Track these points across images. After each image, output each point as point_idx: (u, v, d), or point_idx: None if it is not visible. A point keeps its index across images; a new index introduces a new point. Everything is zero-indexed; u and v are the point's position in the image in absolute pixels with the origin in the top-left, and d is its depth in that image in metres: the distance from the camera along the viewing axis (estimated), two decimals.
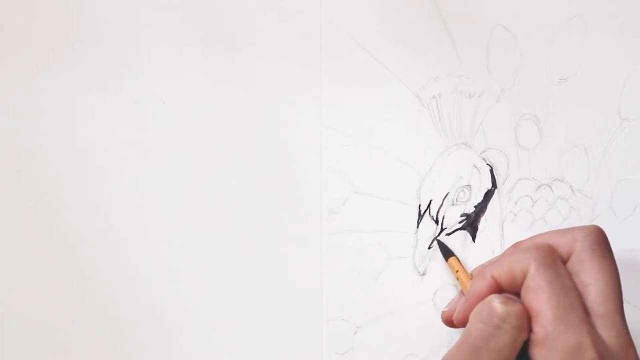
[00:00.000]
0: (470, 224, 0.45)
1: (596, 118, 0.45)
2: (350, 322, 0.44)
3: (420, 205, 0.45)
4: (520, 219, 0.45)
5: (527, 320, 0.36)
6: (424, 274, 0.45)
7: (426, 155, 0.45)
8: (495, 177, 0.45)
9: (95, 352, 0.44)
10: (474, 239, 0.45)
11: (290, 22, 0.44)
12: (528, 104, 0.45)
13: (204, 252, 0.44)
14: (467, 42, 0.44)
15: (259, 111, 0.44)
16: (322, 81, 0.44)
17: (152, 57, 0.43)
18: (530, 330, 0.36)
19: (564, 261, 0.38)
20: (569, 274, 0.37)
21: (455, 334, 0.43)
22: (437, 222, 0.45)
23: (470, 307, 0.38)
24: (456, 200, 0.45)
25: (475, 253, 0.45)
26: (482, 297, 0.38)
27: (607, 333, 0.36)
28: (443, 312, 0.42)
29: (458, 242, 0.45)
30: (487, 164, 0.45)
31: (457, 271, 0.43)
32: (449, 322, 0.41)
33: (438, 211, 0.45)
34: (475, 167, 0.45)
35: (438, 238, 0.44)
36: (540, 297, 0.36)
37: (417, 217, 0.45)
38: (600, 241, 0.38)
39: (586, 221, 0.45)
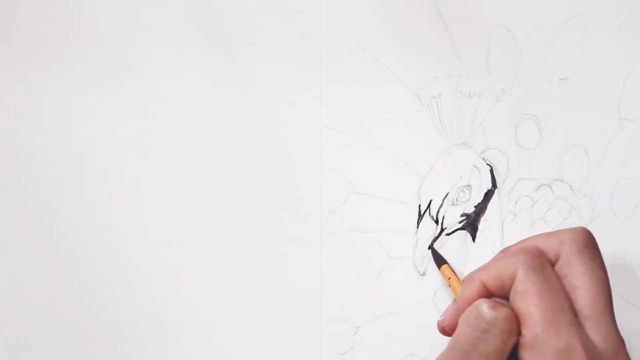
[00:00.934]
0: (470, 224, 0.45)
1: (596, 118, 0.45)
2: (350, 322, 0.44)
3: (420, 205, 0.45)
4: (520, 219, 0.45)
5: (515, 324, 0.36)
6: (424, 274, 0.45)
7: (426, 155, 0.45)
8: (495, 177, 0.45)
9: (95, 352, 0.44)
10: (474, 239, 0.45)
11: (290, 22, 0.44)
12: (528, 104, 0.45)
13: (204, 252, 0.44)
14: (467, 42, 0.44)
15: (259, 111, 0.44)
16: (322, 81, 0.44)
17: (152, 57, 0.43)
18: (519, 334, 0.36)
19: (552, 264, 0.38)
20: (558, 277, 0.37)
21: None
22: (437, 222, 0.45)
23: (460, 313, 0.38)
24: (456, 200, 0.45)
25: (475, 253, 0.45)
26: (472, 302, 0.38)
27: (596, 335, 0.36)
28: (438, 321, 0.42)
29: (458, 242, 0.45)
30: (487, 164, 0.45)
31: (449, 278, 0.43)
32: (444, 330, 0.41)
33: (438, 211, 0.45)
34: (475, 167, 0.45)
35: (432, 246, 0.44)
36: (529, 301, 0.36)
37: (417, 217, 0.45)
38: (588, 243, 0.38)
39: (586, 221, 0.45)
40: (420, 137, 0.45)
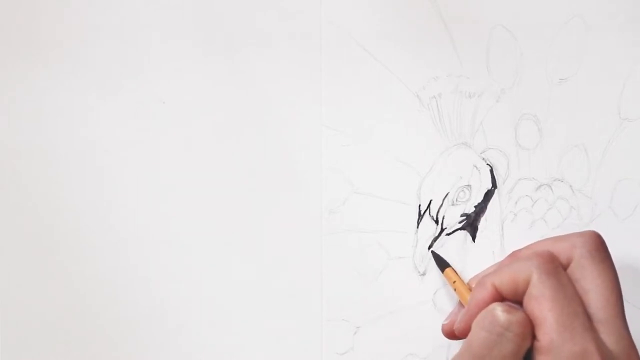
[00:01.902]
0: (470, 224, 0.45)
1: (596, 118, 0.45)
2: (350, 322, 0.44)
3: (420, 205, 0.45)
4: (520, 219, 0.45)
5: (530, 328, 0.36)
6: (424, 274, 0.45)
7: (426, 155, 0.45)
8: (495, 177, 0.45)
9: (95, 352, 0.44)
10: (474, 239, 0.45)
11: (290, 22, 0.44)
12: (528, 104, 0.45)
13: (204, 252, 0.44)
14: (467, 42, 0.44)
15: (259, 111, 0.44)
16: (322, 81, 0.44)
17: (152, 57, 0.43)
18: (533, 338, 0.36)
19: (564, 268, 0.38)
20: (571, 281, 0.37)
21: None
22: (437, 222, 0.45)
23: (472, 317, 0.38)
24: (456, 200, 0.45)
25: (475, 253, 0.45)
26: (484, 306, 0.38)
27: (609, 338, 0.36)
28: (443, 324, 0.42)
29: (458, 242, 0.45)
30: (487, 164, 0.45)
31: (454, 282, 0.43)
32: (451, 334, 0.41)
33: (438, 211, 0.45)
34: (475, 167, 0.45)
35: (432, 249, 0.45)
36: (544, 305, 0.36)
37: (417, 217, 0.45)
38: (599, 247, 0.38)
39: (586, 221, 0.45)
40: (420, 137, 0.45)
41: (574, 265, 0.38)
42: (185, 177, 0.44)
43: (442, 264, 0.44)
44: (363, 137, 0.44)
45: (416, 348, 0.45)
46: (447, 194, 0.45)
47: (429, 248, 0.45)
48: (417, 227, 0.45)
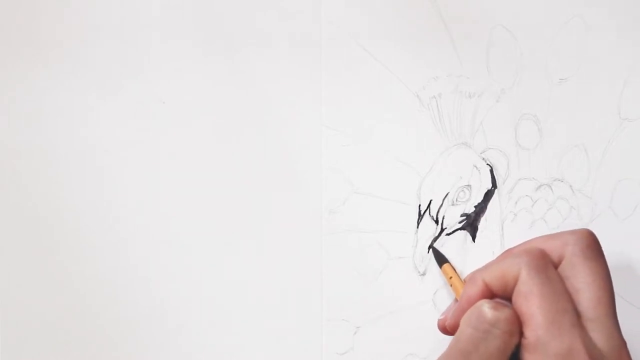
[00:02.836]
0: (470, 224, 0.45)
1: (596, 118, 0.45)
2: (350, 322, 0.44)
3: (420, 205, 0.45)
4: (520, 219, 0.45)
5: (517, 325, 0.36)
6: (424, 274, 0.45)
7: (426, 155, 0.45)
8: (495, 177, 0.45)
9: (95, 352, 0.44)
10: (474, 239, 0.45)
11: (290, 22, 0.44)
12: (528, 104, 0.45)
13: (204, 252, 0.44)
14: (467, 42, 0.44)
15: (259, 111, 0.44)
16: (322, 81, 0.44)
17: (152, 57, 0.43)
18: (521, 335, 0.36)
19: (556, 266, 0.38)
20: (561, 279, 0.37)
21: None
22: (437, 222, 0.45)
23: (462, 313, 0.38)
24: (456, 200, 0.45)
25: (475, 253, 0.45)
26: (474, 303, 0.38)
27: (599, 337, 0.36)
28: (439, 320, 0.42)
29: (458, 242, 0.45)
30: (487, 164, 0.45)
31: (450, 277, 0.43)
32: (445, 329, 0.41)
33: (438, 211, 0.45)
34: (475, 167, 0.45)
35: (433, 245, 0.45)
36: (532, 302, 0.36)
37: (417, 217, 0.45)
38: (591, 245, 0.38)
39: (586, 221, 0.45)
40: (420, 137, 0.45)
41: (565, 263, 0.38)
42: (185, 177, 0.44)
43: (441, 260, 0.44)
44: (363, 137, 0.44)
45: (416, 348, 0.45)
46: (447, 194, 0.45)
47: (429, 248, 0.45)
48: (417, 227, 0.45)
